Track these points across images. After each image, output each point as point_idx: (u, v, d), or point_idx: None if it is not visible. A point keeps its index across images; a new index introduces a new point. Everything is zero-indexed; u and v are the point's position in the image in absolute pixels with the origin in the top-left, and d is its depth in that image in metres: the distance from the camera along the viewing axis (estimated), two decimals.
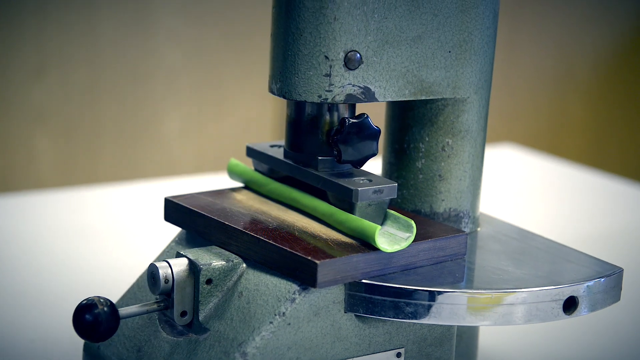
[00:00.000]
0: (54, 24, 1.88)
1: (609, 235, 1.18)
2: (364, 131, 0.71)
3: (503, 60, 2.32)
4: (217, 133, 2.08)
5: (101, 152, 1.98)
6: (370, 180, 0.71)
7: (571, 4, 2.46)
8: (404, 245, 0.68)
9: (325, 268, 0.65)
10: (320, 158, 0.72)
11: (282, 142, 0.76)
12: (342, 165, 0.72)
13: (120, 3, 1.93)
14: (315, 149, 0.72)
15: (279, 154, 0.75)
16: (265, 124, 2.12)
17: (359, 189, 0.69)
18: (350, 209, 0.70)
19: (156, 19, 1.97)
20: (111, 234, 1.11)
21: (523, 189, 1.38)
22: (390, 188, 0.70)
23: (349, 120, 0.70)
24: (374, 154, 0.72)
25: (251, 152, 0.77)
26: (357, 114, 0.73)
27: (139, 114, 2.00)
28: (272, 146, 0.77)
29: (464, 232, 0.73)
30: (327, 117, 0.72)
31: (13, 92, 1.88)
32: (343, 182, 0.70)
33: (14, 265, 1.00)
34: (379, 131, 0.71)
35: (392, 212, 0.71)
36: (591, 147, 2.56)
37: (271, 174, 0.77)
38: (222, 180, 1.12)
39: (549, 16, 2.44)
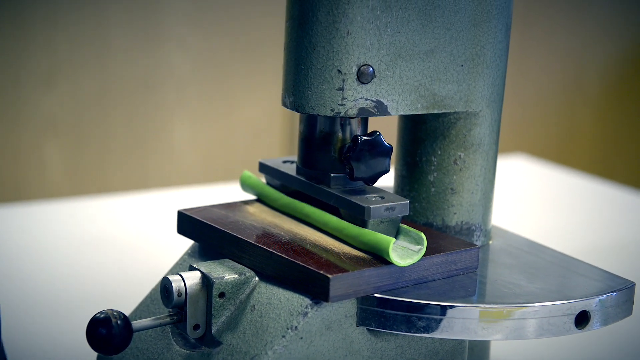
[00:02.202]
0: (64, 34, 1.89)
1: (620, 247, 1.18)
2: (376, 149, 0.71)
3: (513, 71, 2.32)
4: (226, 143, 2.08)
5: (111, 161, 1.99)
6: (383, 198, 0.71)
7: (581, 17, 2.46)
8: (416, 258, 0.68)
9: (337, 282, 0.65)
10: (332, 175, 0.72)
11: (295, 157, 0.77)
12: (355, 182, 0.72)
13: (130, 12, 1.94)
14: (327, 166, 0.73)
15: (291, 170, 0.75)
16: (274, 134, 2.12)
17: (371, 206, 0.69)
18: (362, 226, 0.70)
19: (166, 28, 1.97)
20: (122, 245, 1.11)
21: (533, 200, 1.37)
22: (403, 205, 0.70)
23: (361, 138, 0.71)
24: (386, 171, 0.72)
25: (263, 168, 0.77)
26: (369, 127, 0.73)
27: (148, 123, 2.00)
28: (284, 162, 0.77)
29: (476, 245, 0.73)
30: (340, 134, 0.72)
31: (23, 101, 1.88)
32: (355, 199, 0.70)
33: (24, 276, 1.00)
34: (391, 149, 0.71)
35: (403, 225, 0.71)
36: (600, 158, 2.56)
37: (283, 188, 0.77)
38: (232, 191, 1.12)
39: (558, 28, 2.44)
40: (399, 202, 0.70)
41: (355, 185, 0.73)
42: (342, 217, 0.72)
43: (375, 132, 0.71)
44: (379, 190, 0.72)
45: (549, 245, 0.80)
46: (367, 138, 0.71)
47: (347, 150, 0.71)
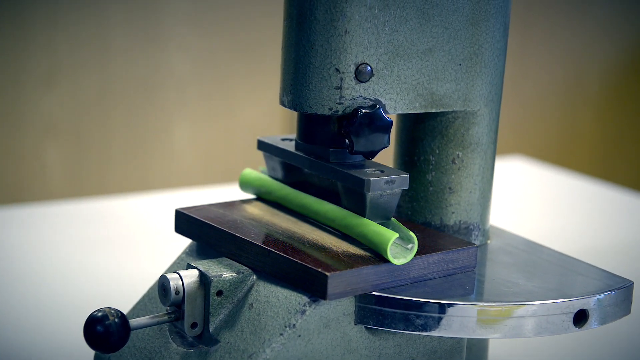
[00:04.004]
0: (64, 34, 1.89)
1: (619, 247, 1.18)
2: (376, 122, 0.71)
3: (513, 72, 2.32)
4: (226, 143, 2.08)
5: (111, 162, 1.99)
6: (382, 171, 0.71)
7: (581, 17, 2.46)
8: (409, 257, 0.68)
9: (335, 280, 0.66)
10: (331, 149, 0.72)
11: (294, 135, 0.76)
12: (354, 157, 0.72)
13: (131, 13, 1.94)
14: (327, 140, 0.72)
15: (290, 146, 0.75)
16: (274, 134, 2.12)
17: (371, 179, 0.69)
18: (362, 204, 0.70)
19: (166, 29, 1.98)
20: (121, 245, 1.11)
21: (533, 201, 1.37)
22: (402, 179, 0.70)
23: (361, 111, 0.70)
24: (385, 146, 0.71)
25: (262, 145, 0.77)
26: None
27: (149, 124, 2.00)
28: (283, 139, 0.77)
29: (474, 244, 0.73)
30: None
31: (23, 103, 1.88)
32: (354, 172, 0.70)
33: (24, 277, 1.01)
34: (391, 123, 0.71)
35: (395, 221, 0.71)
36: (601, 159, 2.56)
37: (284, 179, 0.77)
38: (231, 192, 1.12)
39: (559, 29, 2.44)
40: (399, 176, 0.70)
41: (354, 159, 0.73)
42: (342, 206, 0.72)
43: (376, 105, 0.71)
44: (378, 164, 0.72)
45: (548, 245, 0.80)
46: (367, 111, 0.70)
47: (346, 123, 0.71)
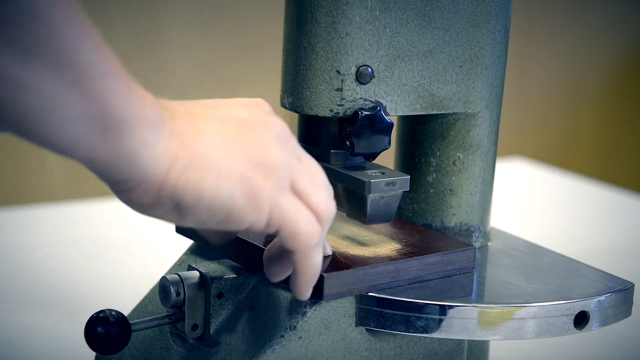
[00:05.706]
0: None
1: (619, 249, 1.18)
2: (376, 124, 0.71)
3: (515, 73, 2.32)
4: None
5: None
6: (383, 173, 0.71)
7: (583, 19, 2.46)
8: None
9: (332, 280, 0.66)
10: (332, 151, 0.72)
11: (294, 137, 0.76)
12: (355, 158, 0.72)
13: (131, 15, 1.94)
14: (327, 142, 0.72)
15: None
16: None
17: (372, 180, 0.69)
18: (362, 202, 0.70)
19: (166, 30, 1.98)
20: (122, 247, 1.11)
21: (533, 203, 1.37)
22: (403, 180, 0.70)
23: (362, 113, 0.70)
24: (386, 148, 0.71)
25: None
26: None
27: None
28: None
29: (473, 246, 0.73)
30: None
31: None
32: (355, 174, 0.70)
33: (25, 278, 1.01)
34: (392, 125, 0.71)
35: None
36: (601, 160, 2.56)
37: None
38: None
39: (560, 31, 2.44)
40: (400, 177, 0.70)
41: (355, 161, 0.73)
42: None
43: (376, 107, 0.71)
44: (379, 166, 0.72)
45: (548, 247, 0.80)
46: (367, 113, 0.70)
47: (347, 125, 0.71)
